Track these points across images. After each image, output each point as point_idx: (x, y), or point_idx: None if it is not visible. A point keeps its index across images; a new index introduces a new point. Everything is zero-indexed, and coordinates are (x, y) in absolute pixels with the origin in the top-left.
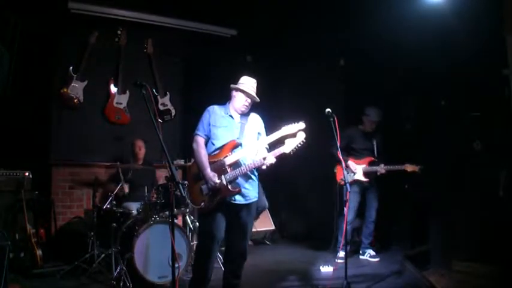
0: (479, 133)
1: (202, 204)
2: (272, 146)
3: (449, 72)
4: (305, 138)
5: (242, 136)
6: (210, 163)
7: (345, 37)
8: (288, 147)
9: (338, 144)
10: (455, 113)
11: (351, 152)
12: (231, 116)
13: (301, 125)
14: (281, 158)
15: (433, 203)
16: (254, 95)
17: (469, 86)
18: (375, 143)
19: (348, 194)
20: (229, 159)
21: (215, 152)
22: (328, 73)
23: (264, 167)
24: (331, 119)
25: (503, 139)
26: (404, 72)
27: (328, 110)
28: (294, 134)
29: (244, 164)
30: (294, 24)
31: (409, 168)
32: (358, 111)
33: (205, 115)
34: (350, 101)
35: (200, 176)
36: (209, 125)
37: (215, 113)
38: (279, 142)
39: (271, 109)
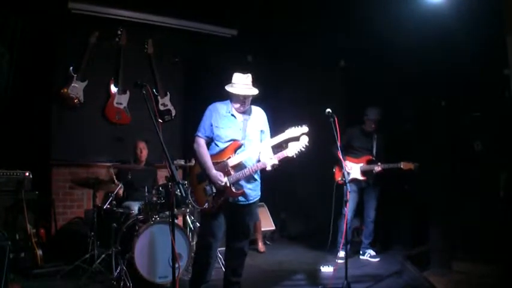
0: (480, 133)
1: (206, 204)
2: (274, 148)
3: (449, 72)
4: (308, 142)
5: (245, 136)
6: (213, 164)
7: (345, 38)
8: (292, 150)
9: (338, 143)
10: (455, 113)
11: (349, 150)
12: (233, 115)
13: (305, 128)
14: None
15: (433, 203)
16: (248, 93)
17: (469, 86)
18: (374, 142)
19: (348, 193)
20: (232, 161)
21: (218, 153)
22: (328, 74)
23: (268, 168)
24: (332, 119)
25: (504, 139)
26: (404, 72)
27: (328, 110)
28: (297, 138)
29: (248, 166)
30: (294, 25)
31: (405, 166)
32: (359, 111)
33: (207, 115)
34: (350, 101)
35: (204, 176)
36: (211, 125)
37: (217, 111)
38: (281, 145)
39: (272, 109)
